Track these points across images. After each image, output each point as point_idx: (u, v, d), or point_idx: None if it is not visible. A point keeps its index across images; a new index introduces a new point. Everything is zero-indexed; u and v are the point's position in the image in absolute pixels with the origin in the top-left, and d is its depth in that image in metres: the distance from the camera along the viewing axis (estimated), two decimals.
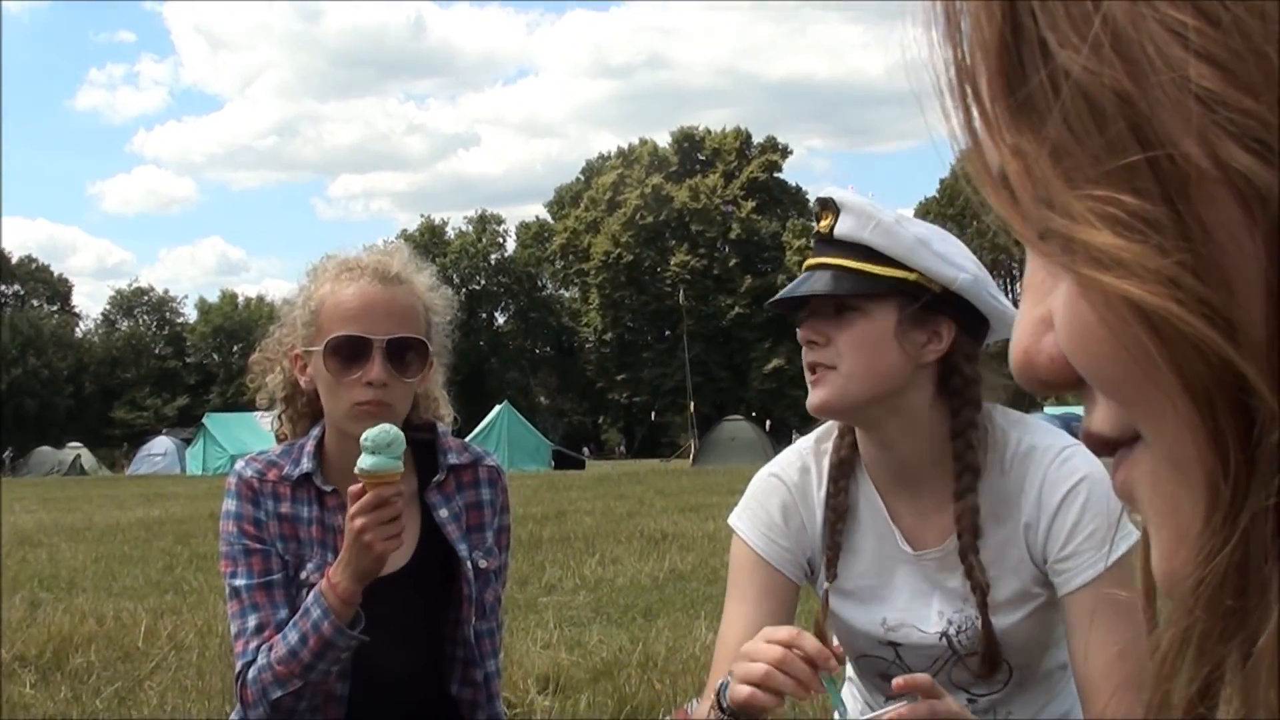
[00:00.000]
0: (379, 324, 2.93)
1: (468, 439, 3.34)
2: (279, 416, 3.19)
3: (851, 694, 2.90)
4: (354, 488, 2.73)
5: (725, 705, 2.31)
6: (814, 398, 2.50)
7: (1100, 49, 0.49)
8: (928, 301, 2.42)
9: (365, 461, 2.70)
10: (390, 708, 3.04)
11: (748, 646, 2.26)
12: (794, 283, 2.53)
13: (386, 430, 2.72)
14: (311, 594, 2.84)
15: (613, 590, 9.15)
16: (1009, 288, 38.70)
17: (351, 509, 2.73)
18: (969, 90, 0.56)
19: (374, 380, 2.88)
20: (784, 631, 2.24)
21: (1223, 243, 0.48)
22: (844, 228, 2.44)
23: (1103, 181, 0.50)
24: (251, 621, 2.91)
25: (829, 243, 2.47)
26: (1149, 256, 0.49)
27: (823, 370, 2.48)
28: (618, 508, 18.39)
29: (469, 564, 3.03)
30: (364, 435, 2.71)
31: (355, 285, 2.97)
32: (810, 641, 2.21)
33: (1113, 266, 0.50)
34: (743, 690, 2.21)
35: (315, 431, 3.06)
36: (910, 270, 2.40)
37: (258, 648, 2.88)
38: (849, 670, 2.91)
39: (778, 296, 2.54)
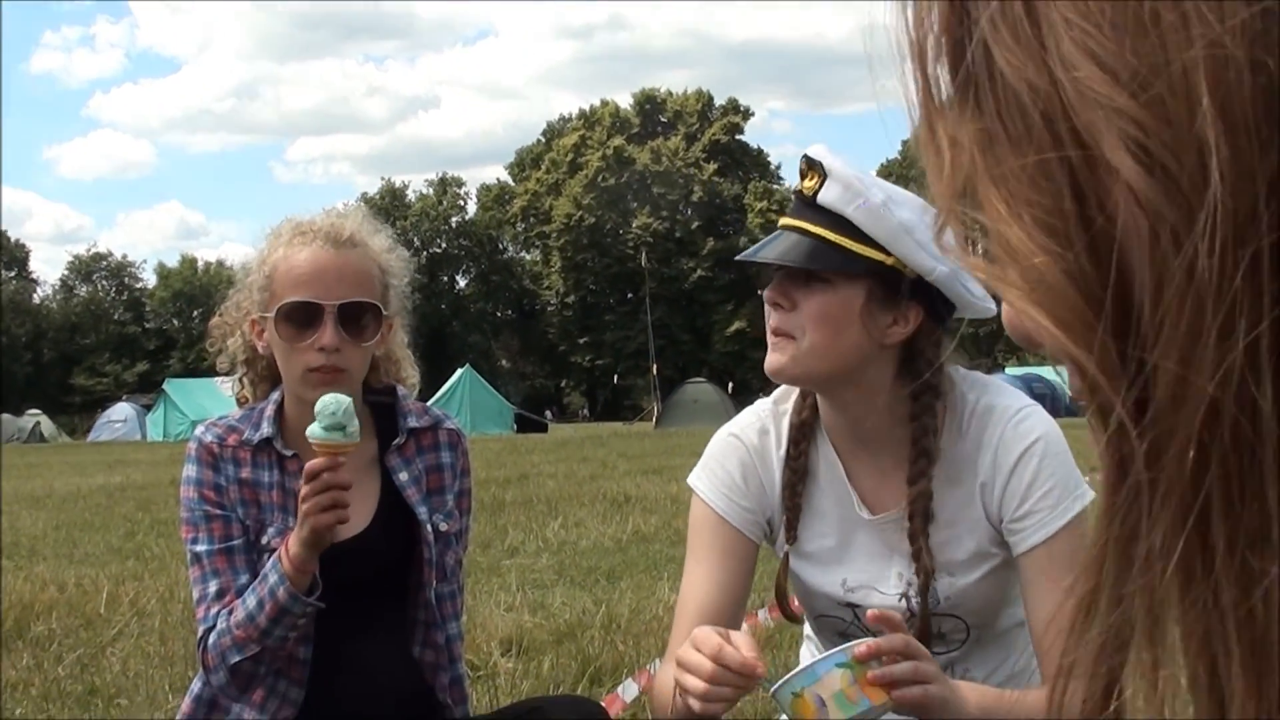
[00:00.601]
0: (331, 289, 2.92)
1: (430, 403, 3.34)
2: (239, 380, 3.18)
3: (810, 651, 2.91)
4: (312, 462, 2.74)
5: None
6: (772, 362, 2.50)
7: (1023, 43, 0.50)
8: (900, 287, 2.42)
9: (313, 432, 2.71)
10: (352, 671, 3.04)
11: (681, 655, 2.26)
12: (768, 240, 2.52)
13: (336, 400, 2.71)
14: (270, 560, 2.84)
15: (576, 553, 9.16)
16: None
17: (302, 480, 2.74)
18: (921, 68, 0.57)
19: (326, 346, 2.87)
20: (710, 642, 2.24)
21: (1121, 247, 0.49)
22: (828, 196, 2.41)
23: (1021, 175, 0.51)
24: (212, 587, 2.91)
25: (810, 206, 2.45)
26: (1050, 253, 0.50)
27: (784, 337, 2.48)
28: (580, 470, 18.40)
29: (429, 527, 3.03)
30: (319, 404, 2.71)
31: (307, 250, 2.95)
32: (732, 656, 2.21)
33: (1016, 260, 0.51)
34: (688, 701, 2.24)
35: (275, 396, 3.05)
36: (888, 254, 2.38)
37: (218, 613, 2.88)
38: (806, 628, 2.93)
39: (749, 254, 2.52)
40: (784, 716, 2.76)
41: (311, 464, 2.73)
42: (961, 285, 2.41)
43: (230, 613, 2.86)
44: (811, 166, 2.46)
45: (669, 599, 6.51)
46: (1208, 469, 0.47)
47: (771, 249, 2.48)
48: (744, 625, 5.04)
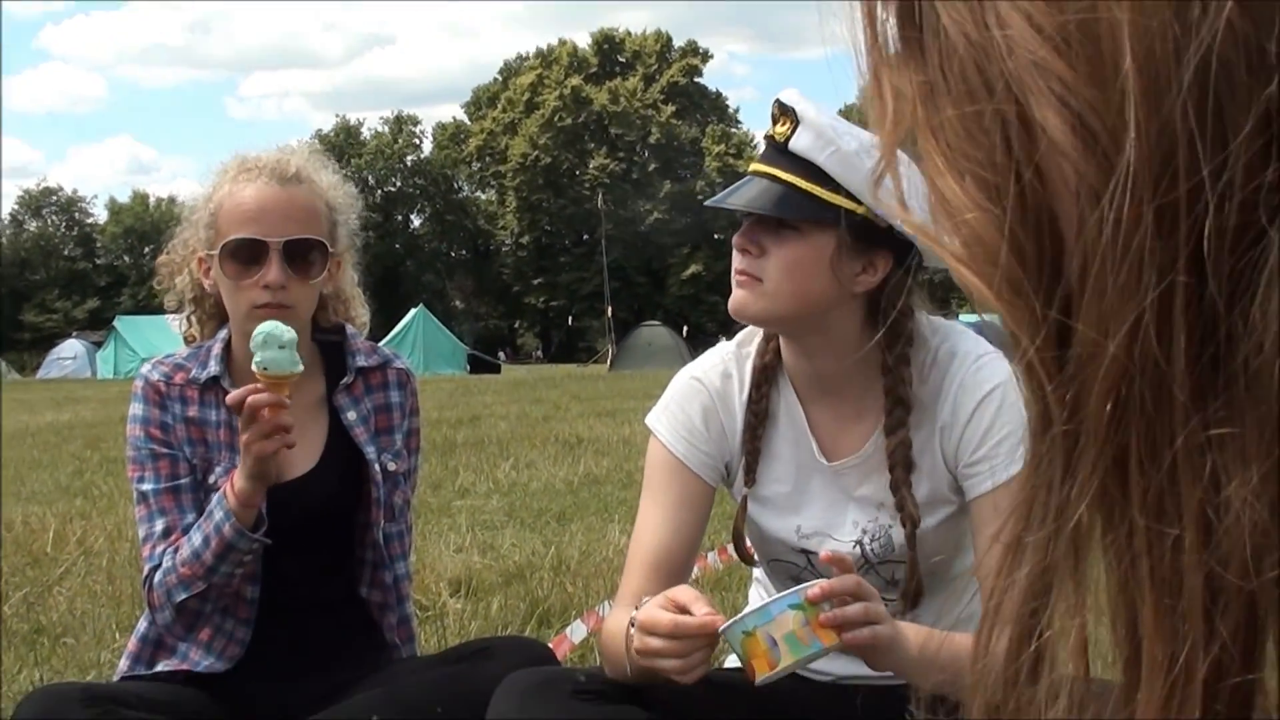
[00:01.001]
0: (275, 225, 2.90)
1: (383, 342, 3.33)
2: (188, 318, 3.16)
3: (759, 593, 2.92)
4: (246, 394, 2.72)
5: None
6: (736, 302, 2.50)
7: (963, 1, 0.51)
8: (870, 235, 2.41)
9: (262, 360, 2.70)
10: (299, 611, 3.04)
11: (643, 618, 2.29)
12: (738, 185, 2.51)
13: (274, 326, 2.71)
14: (216, 497, 2.82)
15: (526, 494, 9.17)
16: None
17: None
18: (870, 16, 0.57)
19: (271, 283, 2.86)
20: (663, 622, 2.26)
21: (1054, 198, 0.50)
22: (800, 143, 2.39)
23: (958, 128, 0.52)
24: (159, 526, 2.90)
25: (782, 152, 2.43)
26: (983, 208, 0.51)
27: (750, 278, 2.47)
28: (533, 412, 18.41)
29: (377, 466, 3.03)
30: (261, 328, 2.71)
31: (252, 186, 2.93)
32: (690, 624, 2.24)
33: (950, 215, 0.52)
34: (646, 662, 2.28)
35: (222, 334, 3.04)
36: (859, 203, 2.37)
37: (164, 552, 2.87)
38: (756, 571, 2.94)
39: (718, 200, 2.51)
40: (729, 658, 2.78)
41: (233, 395, 2.72)
42: None
43: (176, 550, 2.85)
44: (784, 112, 2.44)
45: (619, 541, 6.52)
46: (1123, 424, 0.48)
47: (741, 195, 2.47)
48: (694, 567, 5.06)
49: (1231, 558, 0.46)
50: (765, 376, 2.66)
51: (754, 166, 2.50)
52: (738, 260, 2.49)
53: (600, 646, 2.76)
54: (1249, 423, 0.46)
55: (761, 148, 2.53)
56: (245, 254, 2.89)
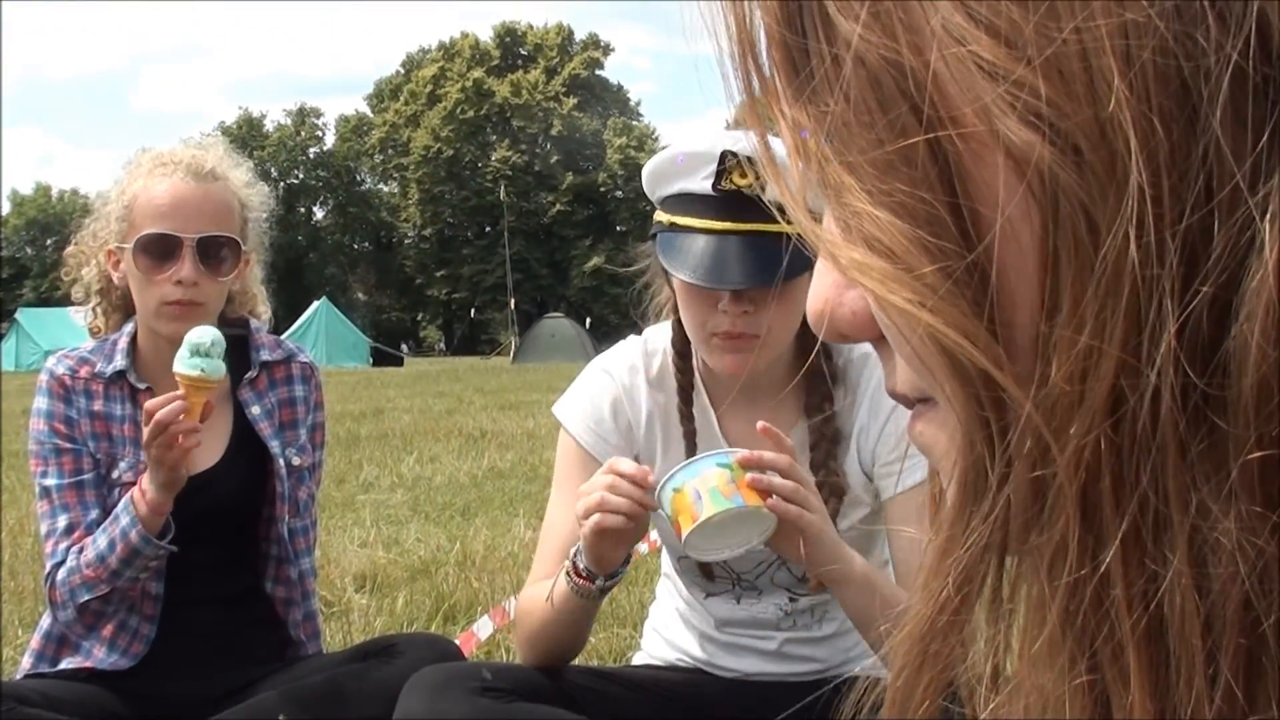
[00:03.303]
0: (190, 222, 2.90)
1: (285, 334, 3.33)
2: (93, 310, 3.14)
3: (667, 589, 2.94)
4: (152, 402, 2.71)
5: (581, 566, 2.38)
6: (735, 366, 2.45)
7: (881, 19, 0.47)
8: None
9: (189, 365, 2.69)
10: (204, 606, 3.03)
11: (582, 489, 2.33)
12: (716, 250, 2.39)
13: (209, 332, 2.72)
14: (123, 500, 2.81)
15: (430, 488, 9.14)
16: None
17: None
18: (749, 56, 0.54)
19: (184, 279, 2.86)
20: (600, 475, 2.30)
21: (1002, 232, 0.47)
22: (772, 191, 2.34)
23: (882, 164, 0.49)
24: (61, 522, 2.88)
25: (750, 202, 2.35)
26: (917, 252, 0.48)
27: (748, 339, 2.43)
28: (436, 405, 18.32)
29: (281, 461, 3.03)
30: (190, 336, 2.71)
31: (168, 181, 2.93)
32: (626, 464, 2.29)
33: (880, 261, 0.49)
34: (589, 521, 2.28)
35: (128, 328, 3.02)
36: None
37: (67, 549, 2.85)
38: (665, 565, 2.95)
39: (729, 284, 2.39)
40: (637, 655, 2.80)
41: (151, 404, 2.71)
42: None
43: (80, 550, 2.83)
44: (741, 163, 2.36)
45: (525, 536, 6.53)
46: (1101, 457, 0.45)
47: (743, 267, 2.37)
48: None
49: (1228, 600, 0.44)
50: (686, 395, 2.66)
51: (725, 226, 2.39)
52: (730, 323, 2.42)
53: (517, 617, 2.77)
54: (1235, 457, 0.43)
55: (704, 193, 2.41)
56: (159, 249, 2.89)
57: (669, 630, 2.88)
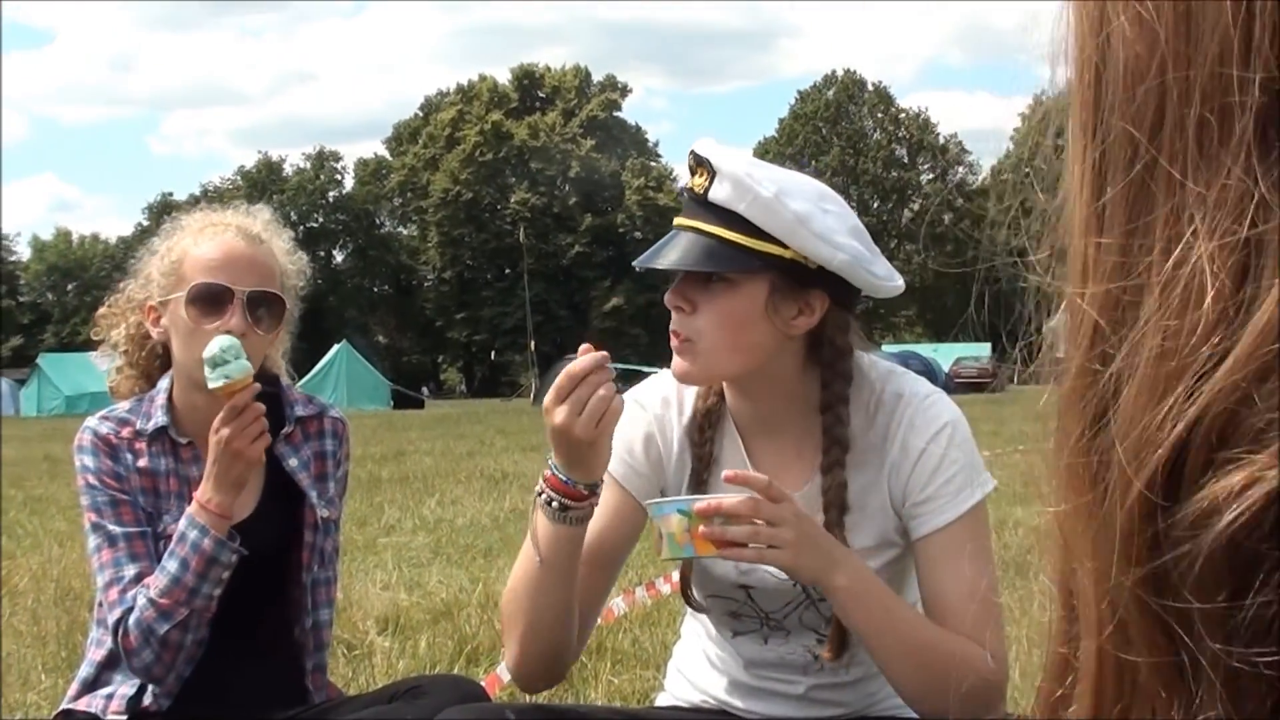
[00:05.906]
0: (242, 276, 2.97)
1: (305, 378, 3.38)
2: (116, 370, 3.18)
3: (695, 630, 2.91)
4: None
5: (563, 477, 2.40)
6: (677, 368, 2.47)
7: None
8: (802, 277, 2.38)
9: (216, 377, 2.75)
10: (234, 652, 3.04)
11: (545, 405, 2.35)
12: (663, 241, 2.46)
13: (222, 340, 2.79)
14: (180, 524, 2.85)
15: (452, 530, 9.16)
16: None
17: (215, 423, 2.78)
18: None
19: (233, 330, 2.89)
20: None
21: None
22: (719, 194, 2.35)
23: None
24: (129, 570, 2.90)
25: (703, 204, 2.39)
26: None
27: (686, 343, 2.44)
28: (457, 447, 18.37)
29: (317, 511, 3.08)
30: (205, 353, 2.77)
31: (220, 239, 3.01)
32: (578, 361, 2.31)
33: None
34: (553, 418, 2.29)
35: (164, 384, 3.06)
36: (787, 247, 2.34)
37: (135, 595, 2.88)
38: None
39: (645, 260, 2.47)
40: (660, 695, 2.80)
41: (232, 403, 2.78)
42: (865, 269, 2.38)
43: (147, 588, 2.85)
44: (700, 163, 2.40)
45: None
46: None
47: (667, 254, 2.42)
48: (621, 601, 5.08)
49: None
50: (709, 420, 2.65)
51: (678, 221, 2.46)
52: (673, 321, 2.46)
53: (502, 610, 2.78)
54: None
55: (684, 198, 2.50)
56: (211, 299, 2.94)
57: (693, 671, 2.87)
